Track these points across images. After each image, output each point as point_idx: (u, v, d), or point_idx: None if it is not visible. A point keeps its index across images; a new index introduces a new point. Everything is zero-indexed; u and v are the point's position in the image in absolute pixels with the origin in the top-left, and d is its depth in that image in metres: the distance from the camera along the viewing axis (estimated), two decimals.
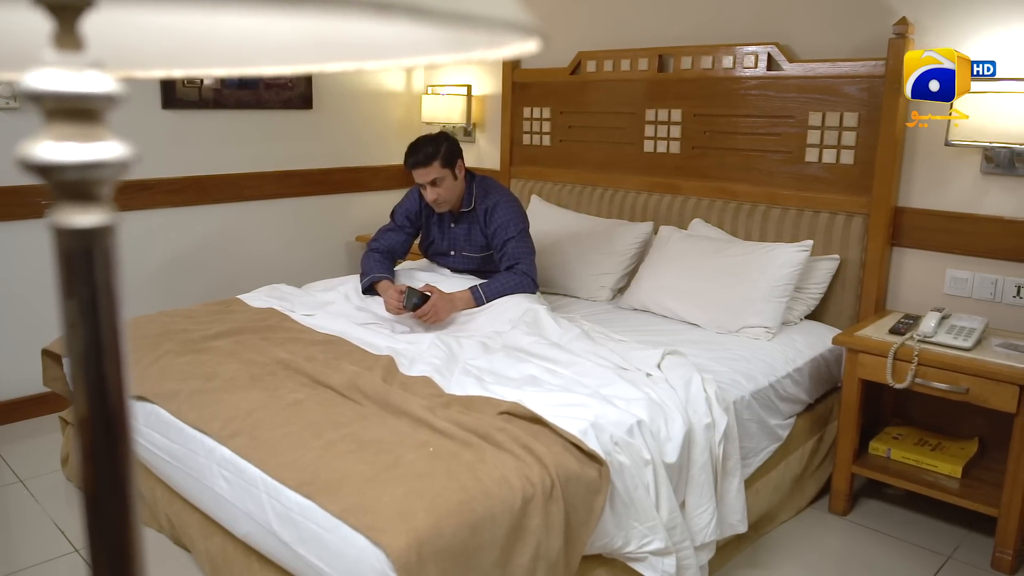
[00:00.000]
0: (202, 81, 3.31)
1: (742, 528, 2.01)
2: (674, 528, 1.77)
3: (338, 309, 2.58)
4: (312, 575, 1.48)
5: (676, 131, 3.07)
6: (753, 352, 2.36)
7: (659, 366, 2.06)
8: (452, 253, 2.79)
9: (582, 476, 1.59)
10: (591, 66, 3.30)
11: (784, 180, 2.79)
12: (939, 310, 2.31)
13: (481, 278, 2.67)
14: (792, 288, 2.53)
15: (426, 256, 2.92)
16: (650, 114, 3.13)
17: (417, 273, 2.75)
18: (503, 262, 2.62)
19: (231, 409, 1.81)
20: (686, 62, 3.00)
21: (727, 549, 2.11)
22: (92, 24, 0.42)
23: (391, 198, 3.35)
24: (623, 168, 3.26)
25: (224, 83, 3.39)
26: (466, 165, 2.67)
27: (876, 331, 2.36)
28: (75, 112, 0.39)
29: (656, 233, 3.00)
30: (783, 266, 2.51)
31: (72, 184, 0.40)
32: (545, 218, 3.24)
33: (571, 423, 1.69)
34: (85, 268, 0.41)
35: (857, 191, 2.61)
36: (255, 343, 2.21)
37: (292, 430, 1.69)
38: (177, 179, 3.33)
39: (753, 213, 2.85)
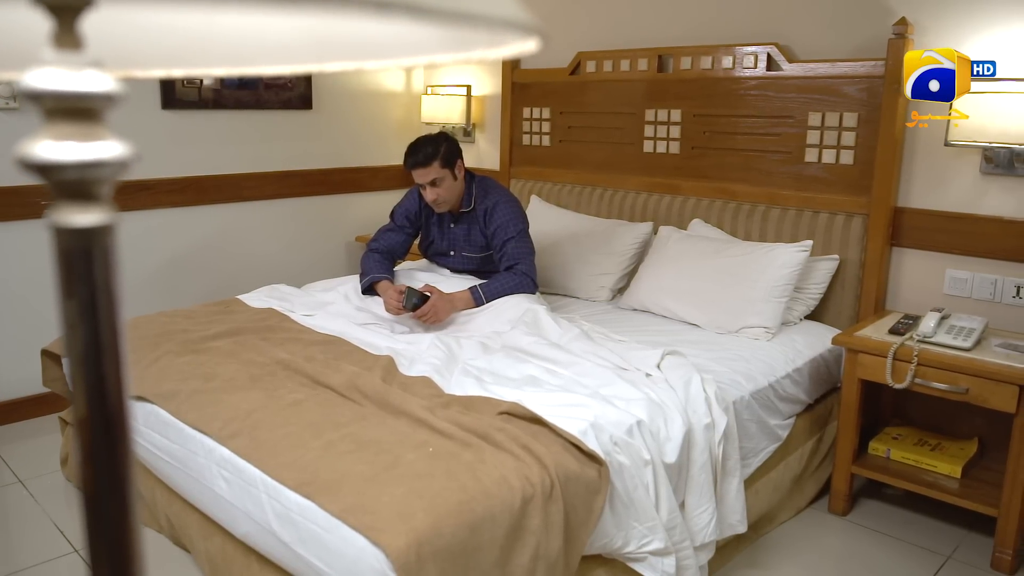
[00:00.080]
0: (202, 81, 3.31)
1: (742, 528, 2.01)
2: (674, 528, 1.77)
3: (338, 309, 2.58)
4: (312, 575, 1.48)
5: (676, 131, 3.07)
6: (753, 352, 2.36)
7: (659, 366, 2.06)
8: (452, 253, 2.79)
9: (582, 476, 1.59)
10: (591, 66, 3.30)
11: (784, 180, 2.79)
12: (939, 310, 2.31)
13: (481, 278, 2.66)
14: (792, 288, 2.53)
15: (426, 256, 2.92)
16: (650, 114, 3.13)
17: (417, 273, 2.75)
18: (503, 262, 2.62)
19: (231, 409, 1.81)
20: (686, 62, 3.00)
21: (727, 549, 2.11)
22: (91, 23, 0.42)
23: (391, 198, 3.35)
24: (623, 168, 3.26)
25: (224, 83, 3.39)
26: (466, 165, 2.67)
27: (876, 331, 2.36)
28: (74, 111, 0.39)
29: (656, 233, 3.00)
30: (783, 266, 2.51)
31: (71, 183, 0.40)
32: (545, 218, 3.24)
33: (571, 423, 1.69)
34: (84, 268, 0.41)
35: (857, 191, 2.61)
36: (255, 343, 2.21)
37: (292, 430, 1.69)
38: (177, 179, 3.32)
39: (753, 213, 2.85)
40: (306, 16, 0.51)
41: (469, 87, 3.88)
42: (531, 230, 2.71)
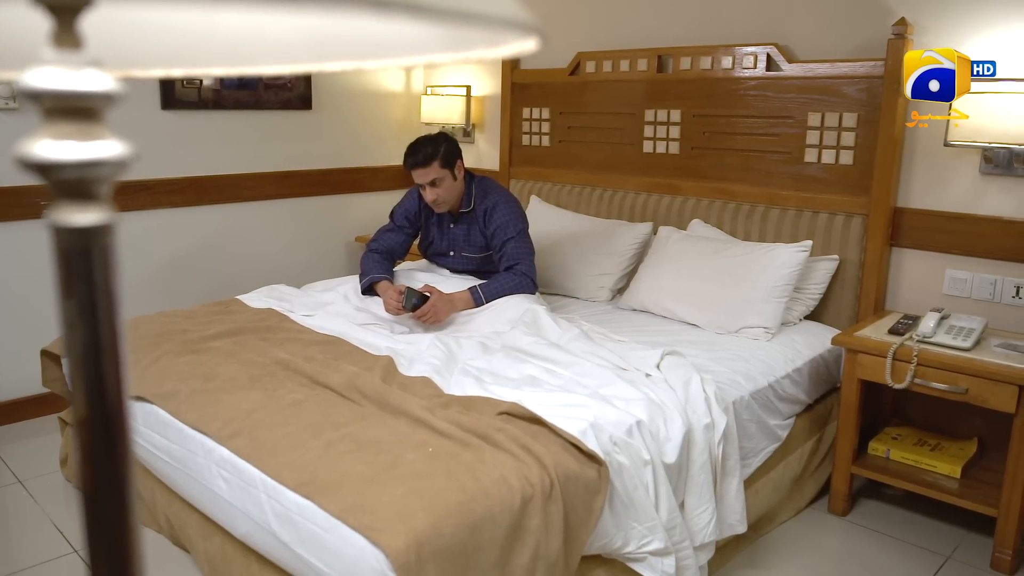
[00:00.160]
0: (201, 81, 3.31)
1: (741, 528, 2.01)
2: (673, 528, 1.77)
3: (337, 309, 2.58)
4: (311, 575, 1.48)
5: (675, 131, 3.07)
6: (752, 352, 2.36)
7: (658, 366, 2.06)
8: (451, 253, 2.79)
9: (581, 476, 1.59)
10: (590, 67, 3.30)
11: (783, 180, 2.79)
12: (938, 310, 2.31)
13: (480, 278, 2.66)
14: (791, 288, 2.53)
15: (425, 256, 2.92)
16: (649, 115, 3.13)
17: (416, 273, 2.75)
18: (502, 262, 2.62)
19: (230, 409, 1.81)
20: (685, 63, 3.00)
21: (726, 549, 2.11)
22: (91, 23, 0.42)
23: (390, 198, 3.35)
24: (622, 169, 3.26)
25: (223, 83, 3.39)
26: (465, 165, 2.67)
27: (875, 331, 2.36)
28: (74, 111, 0.39)
29: (655, 233, 3.00)
30: (782, 266, 2.51)
31: (71, 183, 0.40)
32: (544, 219, 3.24)
33: (570, 423, 1.69)
34: (84, 268, 0.41)
35: (856, 191, 2.61)
36: (254, 343, 2.21)
37: (291, 430, 1.69)
38: (177, 179, 3.32)
39: (752, 213, 2.85)
40: (306, 16, 0.51)
41: (469, 87, 3.88)
42: (531, 230, 2.71)
